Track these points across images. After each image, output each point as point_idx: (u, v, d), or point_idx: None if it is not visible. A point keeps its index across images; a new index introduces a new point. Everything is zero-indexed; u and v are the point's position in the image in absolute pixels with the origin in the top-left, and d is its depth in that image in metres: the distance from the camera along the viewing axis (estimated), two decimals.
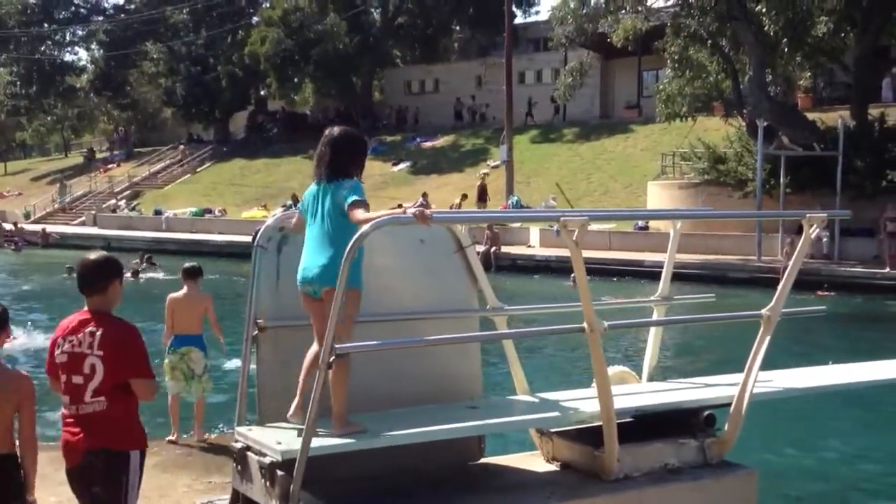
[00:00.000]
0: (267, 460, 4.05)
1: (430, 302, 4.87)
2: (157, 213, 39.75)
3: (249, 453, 4.24)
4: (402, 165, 41.75)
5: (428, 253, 4.92)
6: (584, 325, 4.26)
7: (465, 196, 30.67)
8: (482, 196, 31.24)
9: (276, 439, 4.04)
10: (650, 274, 20.04)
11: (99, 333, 3.94)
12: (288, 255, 4.56)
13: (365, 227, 3.74)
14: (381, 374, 4.55)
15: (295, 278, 4.35)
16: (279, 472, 4.00)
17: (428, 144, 43.92)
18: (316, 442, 3.80)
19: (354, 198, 4.18)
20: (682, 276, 21.55)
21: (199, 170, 48.51)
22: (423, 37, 52.52)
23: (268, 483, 4.07)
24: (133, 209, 43.06)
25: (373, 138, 46.36)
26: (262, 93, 55.36)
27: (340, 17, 47.00)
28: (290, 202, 34.76)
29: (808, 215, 4.71)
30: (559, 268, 22.52)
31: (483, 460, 4.99)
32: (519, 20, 50.69)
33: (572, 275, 19.66)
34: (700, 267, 22.93)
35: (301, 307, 4.35)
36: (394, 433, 4.03)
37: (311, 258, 4.31)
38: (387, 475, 4.38)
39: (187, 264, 8.41)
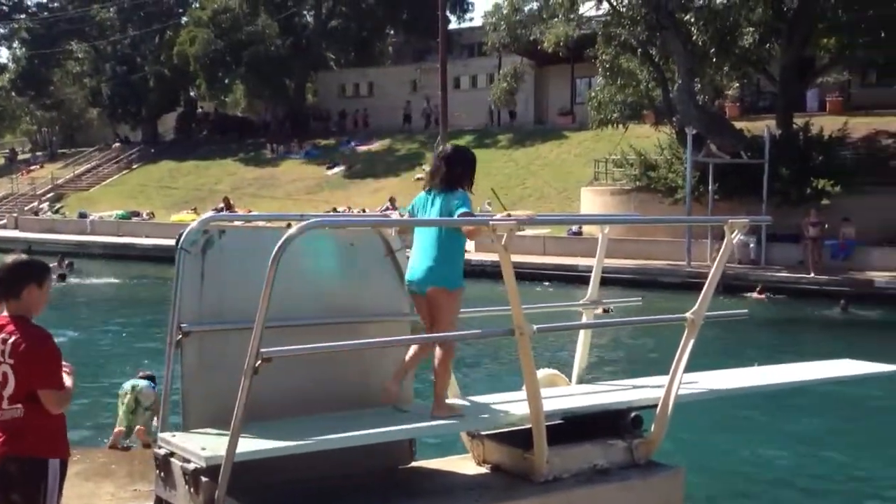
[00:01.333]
0: (191, 466, 3.97)
1: (360, 306, 4.84)
2: (82, 215, 38.77)
3: (173, 459, 4.16)
4: (336, 169, 41.54)
5: (358, 257, 4.89)
6: (514, 328, 4.29)
7: (392, 200, 30.75)
8: None
9: (201, 445, 3.96)
10: (584, 279, 20.11)
11: (11, 341, 3.82)
12: (212, 259, 4.48)
13: (291, 230, 3.70)
14: (311, 378, 4.51)
15: (219, 282, 4.30)
16: (203, 479, 3.93)
17: (363, 148, 43.76)
18: (242, 447, 3.74)
19: (464, 209, 4.75)
20: (616, 281, 21.93)
21: (126, 172, 47.56)
22: (358, 40, 52.35)
23: (192, 490, 3.99)
24: (56, 212, 42.00)
25: (306, 142, 46.07)
26: (191, 94, 54.54)
27: (272, 18, 46.59)
28: (222, 205, 34.32)
29: (729, 221, 4.81)
30: (494, 272, 22.52)
31: (414, 464, 4.98)
32: (453, 25, 50.88)
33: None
34: (632, 272, 23.31)
35: (225, 312, 4.29)
36: (323, 438, 3.99)
37: (419, 260, 4.87)
38: (316, 480, 4.34)
39: None
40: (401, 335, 4.90)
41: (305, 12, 51.28)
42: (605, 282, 19.99)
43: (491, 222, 4.20)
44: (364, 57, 53.37)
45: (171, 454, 4.17)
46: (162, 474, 4.26)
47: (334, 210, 31.89)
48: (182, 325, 4.40)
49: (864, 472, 8.40)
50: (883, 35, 24.38)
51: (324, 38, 50.85)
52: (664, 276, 22.40)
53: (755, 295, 20.90)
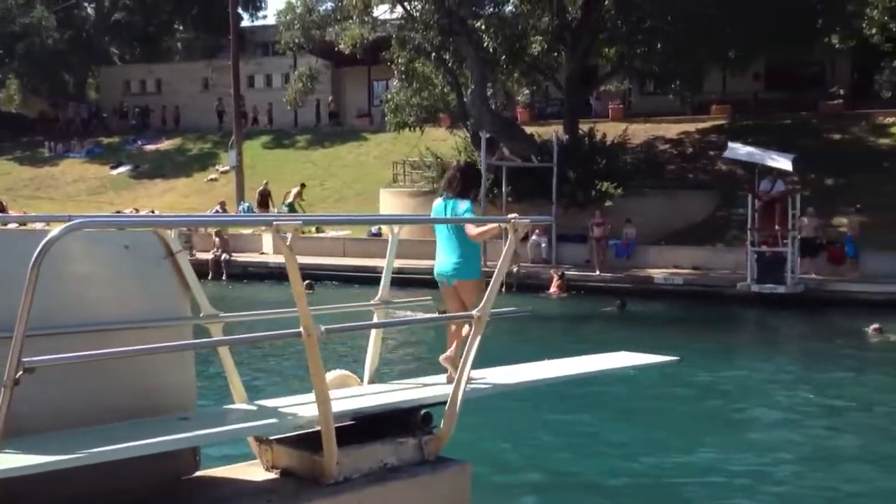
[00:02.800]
0: None
1: (136, 311, 4.57)
2: None
3: None
4: (122, 169, 39.62)
5: (134, 259, 4.62)
6: (301, 329, 4.21)
7: (303, 185, 31.21)
8: (264, 202, 30.46)
9: None
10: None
11: None
12: None
13: (53, 232, 3.44)
14: (80, 389, 4.21)
15: None
16: None
17: (151, 147, 41.94)
18: (1, 464, 3.44)
19: (468, 216, 5.99)
20: (418, 282, 22.14)
21: None
22: (144, 35, 50.19)
23: None
24: None
25: (88, 140, 43.61)
26: None
27: (50, 10, 43.86)
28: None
29: (511, 221, 4.94)
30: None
31: (198, 473, 4.77)
32: (246, 23, 49.96)
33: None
34: (431, 272, 23.64)
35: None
36: (93, 451, 3.72)
37: (444, 257, 6.10)
38: (90, 498, 4.06)
39: None
40: (182, 339, 4.67)
41: (86, 4, 48.64)
42: (407, 282, 20.31)
43: (275, 223, 4.09)
44: (151, 52, 51.23)
45: None
46: None
47: (118, 212, 30.38)
48: None
49: (643, 458, 8.90)
50: (659, 46, 26.08)
51: (106, 32, 48.38)
52: None
53: (553, 290, 21.79)
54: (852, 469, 8.57)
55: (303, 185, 31.50)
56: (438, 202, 6.23)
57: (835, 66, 34.45)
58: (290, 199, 30.00)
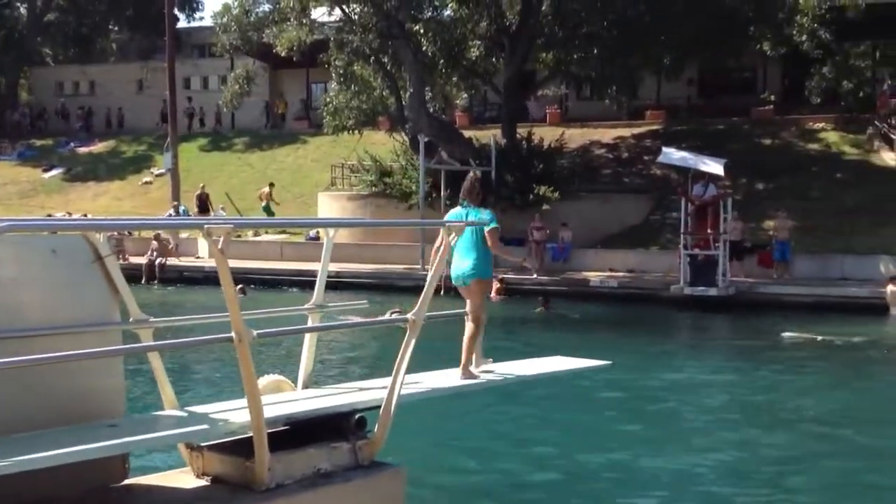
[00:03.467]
0: None
1: (63, 316, 4.49)
2: None
3: None
4: (54, 172, 38.72)
5: (61, 264, 4.54)
6: (233, 334, 4.18)
7: (272, 185, 30.86)
8: (203, 207, 29.96)
9: None
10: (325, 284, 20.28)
11: None
12: None
13: None
14: (5, 395, 4.11)
15: None
16: None
17: (84, 150, 41.03)
18: None
19: (495, 226, 6.60)
20: (355, 286, 22.18)
21: None
22: (77, 36, 49.13)
23: None
24: None
25: (19, 142, 42.54)
26: None
27: None
28: None
29: (447, 224, 4.98)
30: (234, 279, 22.06)
31: (128, 481, 4.70)
32: (182, 24, 49.21)
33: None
34: (370, 276, 23.69)
35: None
36: (18, 459, 3.64)
37: (462, 261, 6.56)
38: None
39: None
40: (111, 344, 4.59)
41: (18, 4, 47.46)
42: (345, 286, 20.23)
43: (206, 226, 4.07)
44: (85, 53, 50.17)
45: None
46: None
47: (49, 216, 29.70)
48: None
49: (575, 459, 9.00)
50: (595, 52, 26.41)
51: (39, 33, 47.26)
52: (401, 279, 22.89)
53: (492, 294, 21.87)
54: (772, 470, 8.78)
55: (271, 185, 31.11)
56: (457, 210, 6.86)
57: (766, 72, 35.27)
58: (265, 202, 29.79)
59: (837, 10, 27.04)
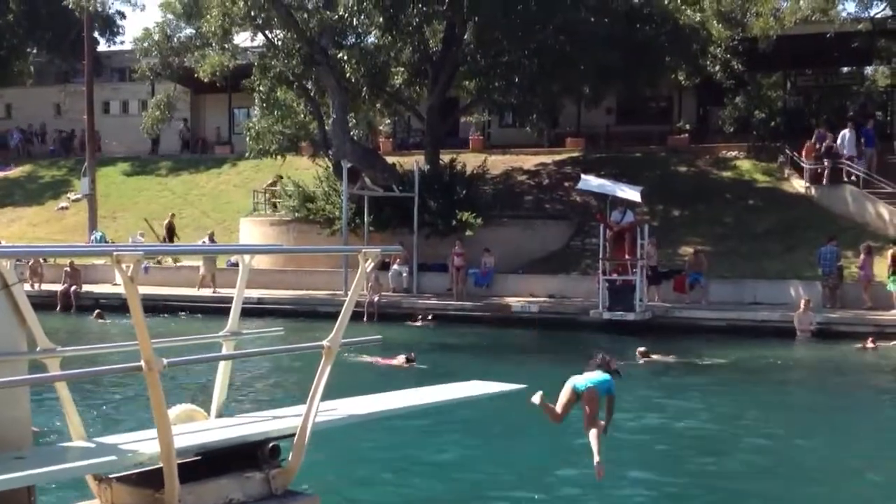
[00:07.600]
0: None
1: None
2: None
3: None
4: None
5: None
6: (142, 363, 4.14)
7: (173, 215, 30.00)
8: (170, 234, 29.22)
9: None
10: (246, 311, 20.05)
11: None
12: None
13: None
14: None
15: None
16: None
17: None
18: None
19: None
20: (277, 312, 21.98)
21: None
22: None
23: None
24: None
25: None
26: None
27: None
28: None
29: (363, 251, 5.01)
30: (150, 306, 21.65)
31: None
32: (102, 48, 48.32)
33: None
34: (292, 302, 23.55)
35: None
36: None
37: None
38: None
39: None
40: (17, 374, 4.49)
41: None
42: (267, 312, 19.97)
43: (115, 253, 4.02)
44: (1, 76, 48.81)
45: None
46: None
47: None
48: None
49: (492, 481, 9.08)
50: (516, 80, 26.83)
51: None
52: (323, 305, 22.77)
53: (419, 322, 21.92)
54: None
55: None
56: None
57: (682, 101, 36.27)
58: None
59: (749, 41, 28.05)
